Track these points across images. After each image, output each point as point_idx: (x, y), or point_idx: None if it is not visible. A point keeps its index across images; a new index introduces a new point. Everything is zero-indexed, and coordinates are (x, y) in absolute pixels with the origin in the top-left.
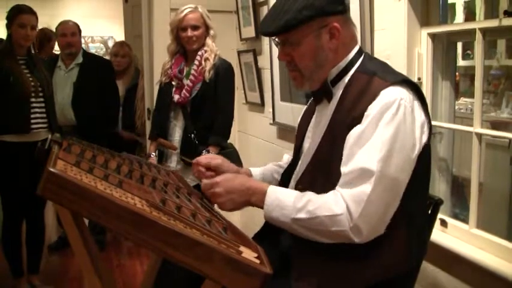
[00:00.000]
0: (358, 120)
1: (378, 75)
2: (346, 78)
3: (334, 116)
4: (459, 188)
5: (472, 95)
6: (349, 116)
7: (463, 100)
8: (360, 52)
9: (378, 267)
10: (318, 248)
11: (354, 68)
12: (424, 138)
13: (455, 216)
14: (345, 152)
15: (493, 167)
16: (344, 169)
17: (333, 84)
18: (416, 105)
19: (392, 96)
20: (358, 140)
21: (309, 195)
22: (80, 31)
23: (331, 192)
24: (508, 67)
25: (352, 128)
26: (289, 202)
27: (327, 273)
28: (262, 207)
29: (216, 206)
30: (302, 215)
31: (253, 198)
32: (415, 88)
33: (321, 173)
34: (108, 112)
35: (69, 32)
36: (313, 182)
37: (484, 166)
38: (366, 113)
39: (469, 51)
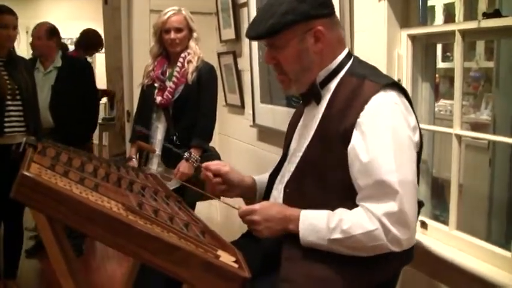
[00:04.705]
0: (351, 126)
1: (368, 78)
2: (336, 81)
3: (323, 118)
4: (439, 189)
5: (451, 97)
6: (341, 121)
7: (442, 102)
8: (349, 55)
9: (368, 273)
10: (308, 250)
11: (343, 71)
12: (415, 140)
13: (436, 218)
14: (356, 164)
15: (472, 168)
16: (362, 182)
17: (322, 86)
18: (409, 108)
19: (385, 101)
20: (367, 152)
21: (340, 213)
22: (52, 34)
23: (359, 209)
24: (487, 69)
25: (347, 135)
26: (322, 224)
27: (315, 276)
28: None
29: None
30: (338, 235)
31: (291, 226)
32: (403, 92)
33: (311, 177)
34: (87, 115)
35: (36, 35)
36: (303, 185)
37: (464, 168)
38: (359, 120)
39: (448, 54)
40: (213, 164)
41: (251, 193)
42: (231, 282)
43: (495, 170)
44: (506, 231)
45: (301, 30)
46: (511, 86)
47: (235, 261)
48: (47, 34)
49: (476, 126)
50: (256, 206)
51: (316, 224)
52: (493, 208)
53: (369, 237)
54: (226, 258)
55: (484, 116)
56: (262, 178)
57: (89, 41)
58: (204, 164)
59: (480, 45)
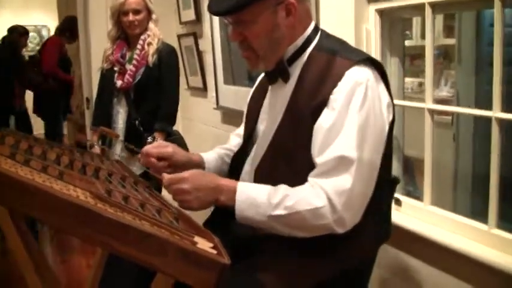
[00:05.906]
0: (323, 104)
1: (339, 54)
2: (304, 57)
3: (293, 97)
4: (408, 165)
5: (413, 75)
6: (312, 99)
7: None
8: (316, 29)
9: (346, 256)
10: (283, 237)
11: (311, 46)
12: (390, 118)
13: (408, 194)
14: (317, 141)
15: (438, 143)
16: (319, 159)
17: (290, 64)
18: (382, 85)
19: (359, 78)
20: (331, 128)
21: (284, 189)
22: None
23: (307, 185)
24: (446, 46)
25: (318, 112)
26: (263, 199)
27: (292, 263)
28: (232, 207)
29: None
30: (281, 212)
31: (222, 198)
32: (378, 67)
33: (283, 159)
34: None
35: None
36: (274, 168)
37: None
38: (332, 97)
39: (407, 32)
40: (154, 148)
41: None
42: (210, 269)
43: (459, 145)
44: (475, 204)
45: (271, 3)
46: (473, 61)
47: (213, 247)
48: None
49: (439, 102)
50: (186, 174)
51: (256, 197)
52: (460, 182)
53: (314, 214)
54: (204, 244)
55: (444, 92)
56: (211, 156)
57: (71, 27)
58: (144, 150)
59: (438, 23)
